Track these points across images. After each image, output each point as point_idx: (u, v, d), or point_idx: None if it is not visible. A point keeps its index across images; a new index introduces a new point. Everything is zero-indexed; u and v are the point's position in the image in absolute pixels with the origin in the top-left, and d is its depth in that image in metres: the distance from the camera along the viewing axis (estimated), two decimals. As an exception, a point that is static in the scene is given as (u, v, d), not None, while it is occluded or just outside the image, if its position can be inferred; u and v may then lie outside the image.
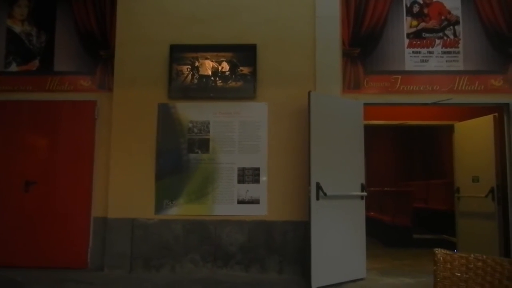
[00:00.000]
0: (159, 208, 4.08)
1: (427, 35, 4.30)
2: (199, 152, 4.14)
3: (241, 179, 4.09)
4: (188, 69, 4.21)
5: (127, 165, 4.14)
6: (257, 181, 4.08)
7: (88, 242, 4.22)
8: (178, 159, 4.13)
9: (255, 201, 4.04)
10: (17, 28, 4.55)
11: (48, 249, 4.17)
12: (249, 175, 4.10)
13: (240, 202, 4.05)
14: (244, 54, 4.18)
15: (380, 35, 4.29)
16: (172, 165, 4.12)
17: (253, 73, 4.17)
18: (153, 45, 4.27)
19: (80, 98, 4.40)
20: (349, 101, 4.08)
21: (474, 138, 4.82)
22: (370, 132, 4.68)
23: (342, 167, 3.85)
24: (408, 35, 4.30)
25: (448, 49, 4.25)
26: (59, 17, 4.52)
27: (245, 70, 4.17)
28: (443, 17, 4.32)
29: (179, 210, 4.07)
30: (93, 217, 4.24)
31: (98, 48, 4.47)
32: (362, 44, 4.29)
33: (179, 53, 4.21)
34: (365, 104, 4.14)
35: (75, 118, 4.35)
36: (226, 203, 4.06)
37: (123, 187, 4.12)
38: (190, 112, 4.19)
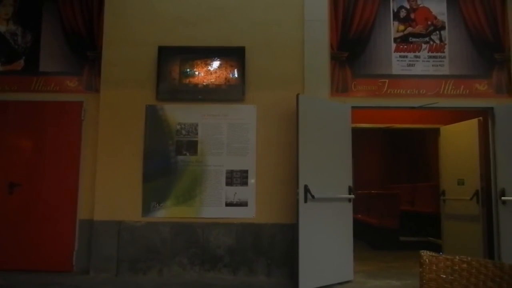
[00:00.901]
0: (146, 210, 4.05)
1: (413, 39, 4.35)
2: (187, 154, 4.13)
3: (229, 182, 4.09)
4: (176, 71, 4.18)
5: (114, 167, 4.11)
6: (245, 183, 4.08)
7: (73, 245, 4.16)
8: (166, 161, 4.11)
9: (243, 204, 4.04)
10: (2, 28, 4.48)
11: (32, 252, 4.10)
12: (237, 178, 4.09)
13: (228, 204, 4.05)
14: (233, 57, 4.18)
15: (368, 39, 4.33)
16: (160, 167, 4.10)
17: (242, 76, 4.17)
18: (141, 46, 4.26)
19: (66, 99, 4.35)
20: (337, 104, 4.10)
21: (459, 142, 4.89)
22: (358, 135, 4.71)
23: (330, 170, 3.87)
24: (395, 39, 4.35)
25: (434, 54, 4.31)
26: (45, 16, 4.46)
27: (233, 72, 4.16)
28: (429, 22, 4.38)
29: (166, 213, 4.05)
30: (78, 220, 4.19)
31: (85, 48, 4.43)
32: (350, 48, 4.33)
33: (167, 55, 4.20)
34: (353, 107, 4.17)
35: (61, 119, 4.30)
36: (214, 206, 4.05)
37: (109, 189, 4.08)
38: (178, 114, 4.18)
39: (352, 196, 3.99)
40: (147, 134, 4.15)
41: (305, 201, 3.62)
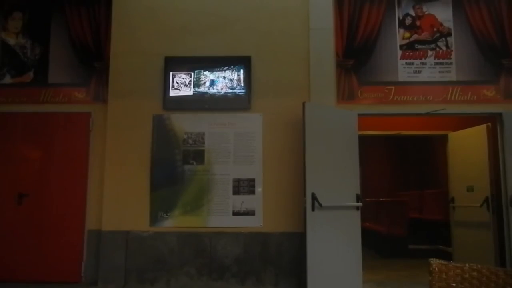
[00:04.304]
0: (154, 220, 4.05)
1: (419, 46, 4.36)
2: (194, 163, 4.14)
3: (236, 190, 4.09)
4: (183, 81, 4.23)
5: (122, 177, 4.12)
6: (252, 192, 4.08)
7: (82, 256, 4.17)
8: (173, 170, 4.13)
9: (251, 213, 4.03)
10: (11, 41, 4.56)
11: (41, 263, 4.11)
12: (244, 186, 4.09)
13: (235, 213, 4.04)
14: (239, 66, 4.22)
15: (374, 47, 4.36)
16: (167, 176, 4.12)
17: (248, 84, 4.20)
18: (148, 56, 4.30)
19: (74, 110, 4.39)
20: (344, 112, 4.10)
21: (468, 148, 4.86)
22: (365, 143, 4.69)
23: (337, 178, 3.86)
24: (401, 46, 4.37)
25: (441, 60, 4.31)
26: (54, 29, 4.54)
27: (239, 81, 4.21)
28: (435, 29, 4.39)
29: (174, 222, 4.05)
30: (87, 230, 4.20)
31: (93, 59, 4.49)
32: (356, 55, 4.35)
33: (174, 65, 4.25)
34: (360, 115, 4.16)
35: (69, 130, 4.34)
36: (221, 215, 4.05)
37: (117, 199, 4.10)
38: (185, 123, 4.21)
39: (360, 204, 3.96)
40: (154, 143, 4.17)
41: (313, 209, 3.61)
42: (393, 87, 4.28)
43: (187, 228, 4.03)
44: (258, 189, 4.09)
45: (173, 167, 4.14)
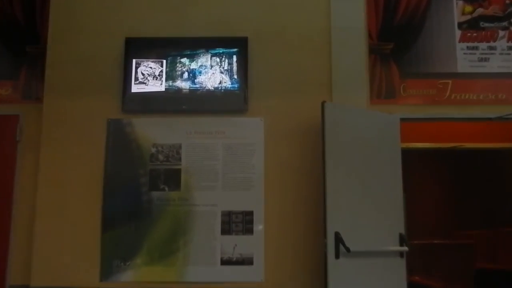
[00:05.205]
0: (106, 272, 3.97)
1: (486, 24, 4.36)
2: (166, 189, 4.08)
3: (227, 228, 4.02)
4: (152, 72, 4.19)
5: (61, 207, 4.05)
6: (249, 231, 4.03)
7: (0, 323, 4.03)
8: (135, 199, 4.06)
9: (247, 261, 3.97)
10: None
11: None
12: (238, 223, 4.04)
13: (226, 262, 3.98)
14: (231, 51, 4.21)
15: (422, 25, 4.33)
16: (126, 208, 4.04)
17: (244, 77, 4.15)
18: (101, 38, 4.26)
19: (-5, 112, 4.33)
20: (380, 116, 4.07)
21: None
22: (410, 160, 4.60)
23: (371, 210, 3.81)
24: (460, 25, 4.35)
25: (517, 44, 4.27)
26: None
27: (231, 72, 4.18)
28: (508, 1, 4.39)
29: (135, 275, 3.97)
30: (8, 286, 4.10)
31: (23, 42, 4.45)
32: (397, 37, 4.30)
33: (138, 49, 4.19)
34: (403, 120, 4.11)
35: (-13, 141, 4.27)
36: (204, 264, 3.98)
37: (54, 240, 4.01)
38: (153, 131, 4.16)
39: (405, 248, 3.90)
40: (108, 160, 4.11)
41: (337, 256, 3.54)
42: (450, 81, 4.24)
43: (155, 284, 3.95)
44: (258, 227, 4.03)
45: (136, 195, 4.06)
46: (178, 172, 4.11)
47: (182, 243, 4.00)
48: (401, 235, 3.93)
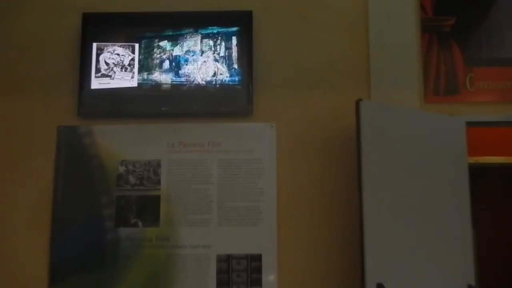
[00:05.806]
0: None
1: None
2: (140, 224, 3.59)
3: (225, 280, 3.51)
4: (119, 61, 3.75)
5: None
6: (257, 283, 3.51)
7: None
8: (96, 239, 3.59)
9: (254, 327, 3.75)
10: None
11: None
12: (240, 271, 3.53)
13: (223, 329, 3.77)
14: (229, 31, 3.80)
15: (493, -5, 4.16)
16: (82, 251, 3.58)
17: (247, 67, 3.74)
18: (51, 14, 3.89)
19: None
20: (438, 119, 3.64)
21: None
22: (480, 181, 4.15)
23: (427, 253, 3.37)
24: (547, -8, 4.18)
25: None
26: None
27: (230, 60, 3.75)
28: None
29: None
30: None
31: None
32: (459, 10, 3.90)
33: (100, 29, 3.83)
34: (469, 124, 3.63)
35: None
36: (193, 331, 3.75)
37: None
38: (121, 143, 3.70)
39: (478, 307, 3.62)
40: (58, 185, 3.64)
41: (381, 318, 3.30)
42: (536, 71, 4.09)
43: None
44: (269, 277, 3.51)
45: (96, 233, 3.59)
46: (156, 200, 3.62)
47: (161, 301, 3.81)
48: (470, 287, 3.45)
